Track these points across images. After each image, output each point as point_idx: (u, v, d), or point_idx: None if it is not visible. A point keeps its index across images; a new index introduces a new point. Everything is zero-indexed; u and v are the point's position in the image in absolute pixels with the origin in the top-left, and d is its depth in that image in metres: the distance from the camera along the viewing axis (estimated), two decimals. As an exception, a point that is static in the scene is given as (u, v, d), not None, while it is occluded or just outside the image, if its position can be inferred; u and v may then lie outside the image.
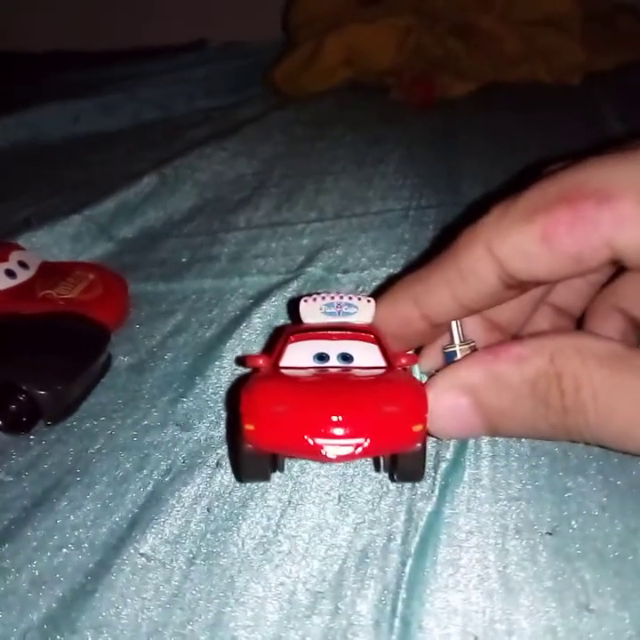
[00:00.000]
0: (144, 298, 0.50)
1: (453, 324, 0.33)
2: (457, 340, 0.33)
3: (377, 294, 0.34)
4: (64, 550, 0.30)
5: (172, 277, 0.52)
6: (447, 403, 0.28)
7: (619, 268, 0.33)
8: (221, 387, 0.40)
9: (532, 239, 0.27)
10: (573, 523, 0.29)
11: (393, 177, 0.68)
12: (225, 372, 0.41)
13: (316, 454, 0.26)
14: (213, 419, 0.37)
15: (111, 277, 0.48)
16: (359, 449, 0.26)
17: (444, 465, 0.32)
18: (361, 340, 0.31)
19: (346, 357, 0.31)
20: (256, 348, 0.43)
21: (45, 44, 1.18)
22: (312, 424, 0.26)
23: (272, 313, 0.46)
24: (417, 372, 0.34)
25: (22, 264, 0.46)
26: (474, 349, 0.33)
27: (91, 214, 0.59)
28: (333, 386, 0.28)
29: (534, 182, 0.28)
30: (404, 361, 0.31)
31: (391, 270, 0.50)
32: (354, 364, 0.31)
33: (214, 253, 0.56)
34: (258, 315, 0.46)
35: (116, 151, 0.79)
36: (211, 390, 0.39)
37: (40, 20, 1.22)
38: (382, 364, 0.31)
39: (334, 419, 0.26)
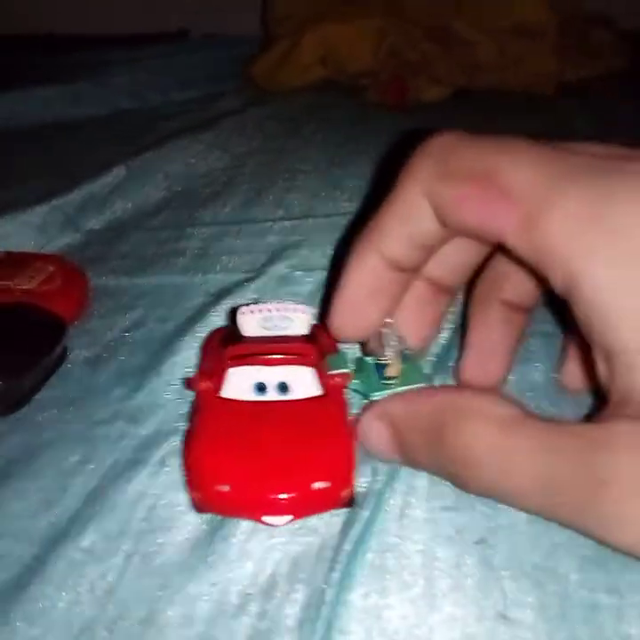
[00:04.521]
0: (106, 291, 0.50)
1: (383, 331, 0.35)
2: (389, 353, 0.35)
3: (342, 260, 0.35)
4: (2, 540, 0.30)
5: (136, 272, 0.53)
6: (374, 431, 0.32)
7: None
8: (174, 383, 0.40)
9: (448, 198, 0.30)
10: (501, 535, 0.30)
11: (363, 179, 0.68)
12: (178, 369, 0.41)
13: (257, 521, 0.30)
14: (162, 415, 0.38)
15: (70, 269, 0.48)
16: (295, 518, 0.30)
17: (380, 473, 0.33)
18: (298, 363, 0.34)
19: (283, 388, 0.34)
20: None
21: (15, 28, 1.15)
22: (253, 504, 0.30)
23: (229, 311, 0.46)
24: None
25: (-19, 254, 0.46)
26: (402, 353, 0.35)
27: (57, 204, 0.59)
28: (271, 457, 0.31)
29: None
30: (338, 380, 0.35)
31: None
32: (291, 395, 0.34)
33: (179, 249, 0.56)
34: (216, 313, 0.46)
35: (85, 140, 0.79)
36: (163, 387, 0.40)
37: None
38: (318, 391, 0.34)
39: (272, 499, 0.30)
